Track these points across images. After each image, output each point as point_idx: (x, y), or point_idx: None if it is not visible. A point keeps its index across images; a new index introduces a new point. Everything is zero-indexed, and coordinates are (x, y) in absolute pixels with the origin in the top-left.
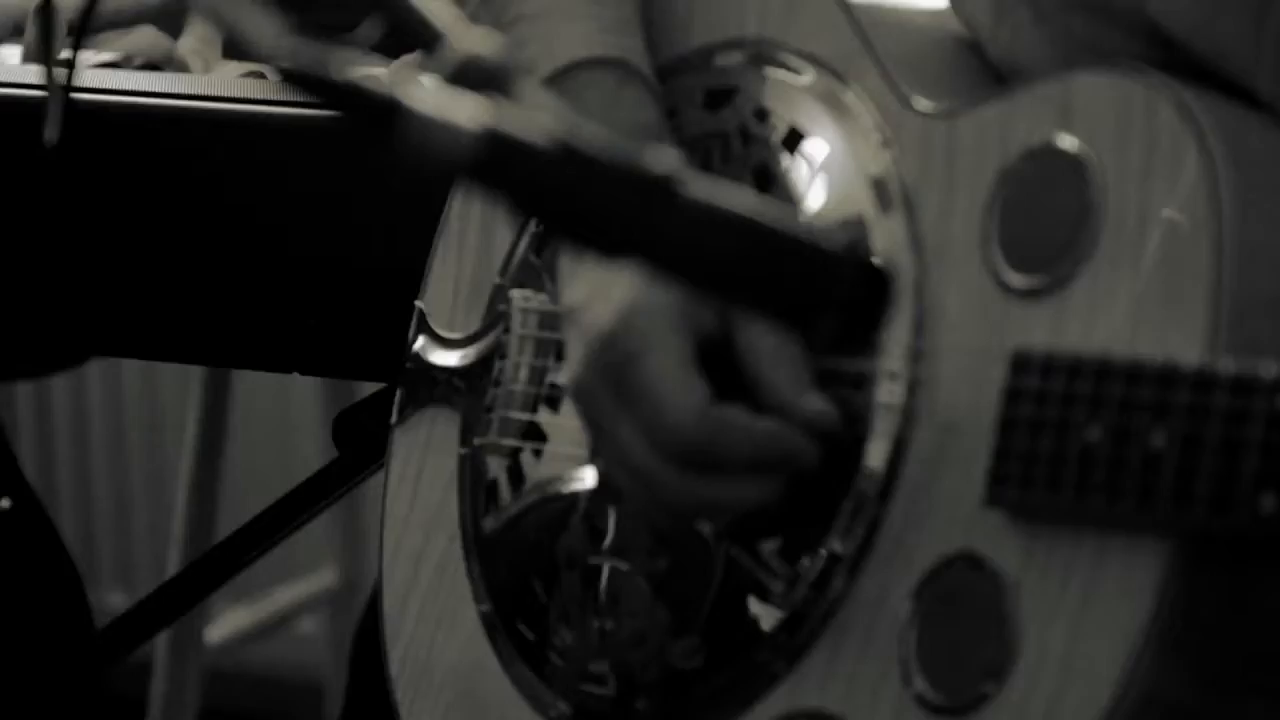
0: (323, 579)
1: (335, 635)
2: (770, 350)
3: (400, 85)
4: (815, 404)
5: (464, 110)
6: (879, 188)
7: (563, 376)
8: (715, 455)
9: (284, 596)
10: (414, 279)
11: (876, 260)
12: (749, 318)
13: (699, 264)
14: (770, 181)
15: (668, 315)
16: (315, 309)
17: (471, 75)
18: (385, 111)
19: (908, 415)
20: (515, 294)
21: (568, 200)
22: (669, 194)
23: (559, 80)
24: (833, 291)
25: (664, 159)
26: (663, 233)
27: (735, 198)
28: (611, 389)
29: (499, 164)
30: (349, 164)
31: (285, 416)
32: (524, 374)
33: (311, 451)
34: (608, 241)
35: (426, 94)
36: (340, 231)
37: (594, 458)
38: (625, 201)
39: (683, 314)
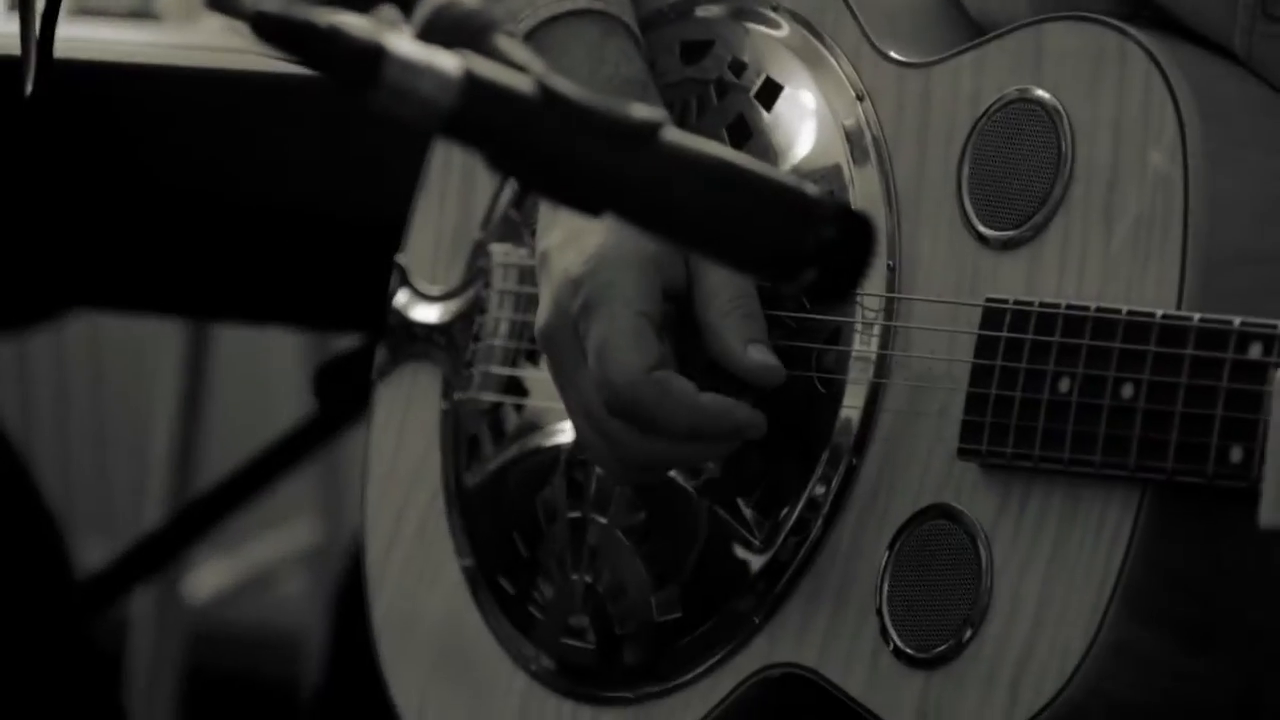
0: (302, 532)
1: (315, 591)
2: (725, 301)
3: (381, 32)
4: (757, 357)
5: (444, 57)
6: (854, 139)
7: (538, 327)
8: (654, 420)
9: (264, 552)
10: (392, 233)
11: (857, 209)
12: (713, 266)
13: (679, 213)
14: (747, 132)
15: (637, 266)
16: (294, 262)
17: (449, 27)
18: (366, 57)
19: (882, 366)
20: (495, 249)
21: (547, 147)
22: (650, 141)
23: (543, 32)
24: (814, 242)
25: (644, 108)
26: (643, 181)
27: (715, 146)
28: (574, 336)
29: (480, 110)
30: (327, 121)
31: (264, 370)
32: (504, 329)
33: (291, 405)
34: (587, 192)
35: (407, 41)
36: (317, 186)
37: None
38: (605, 148)
39: (654, 265)
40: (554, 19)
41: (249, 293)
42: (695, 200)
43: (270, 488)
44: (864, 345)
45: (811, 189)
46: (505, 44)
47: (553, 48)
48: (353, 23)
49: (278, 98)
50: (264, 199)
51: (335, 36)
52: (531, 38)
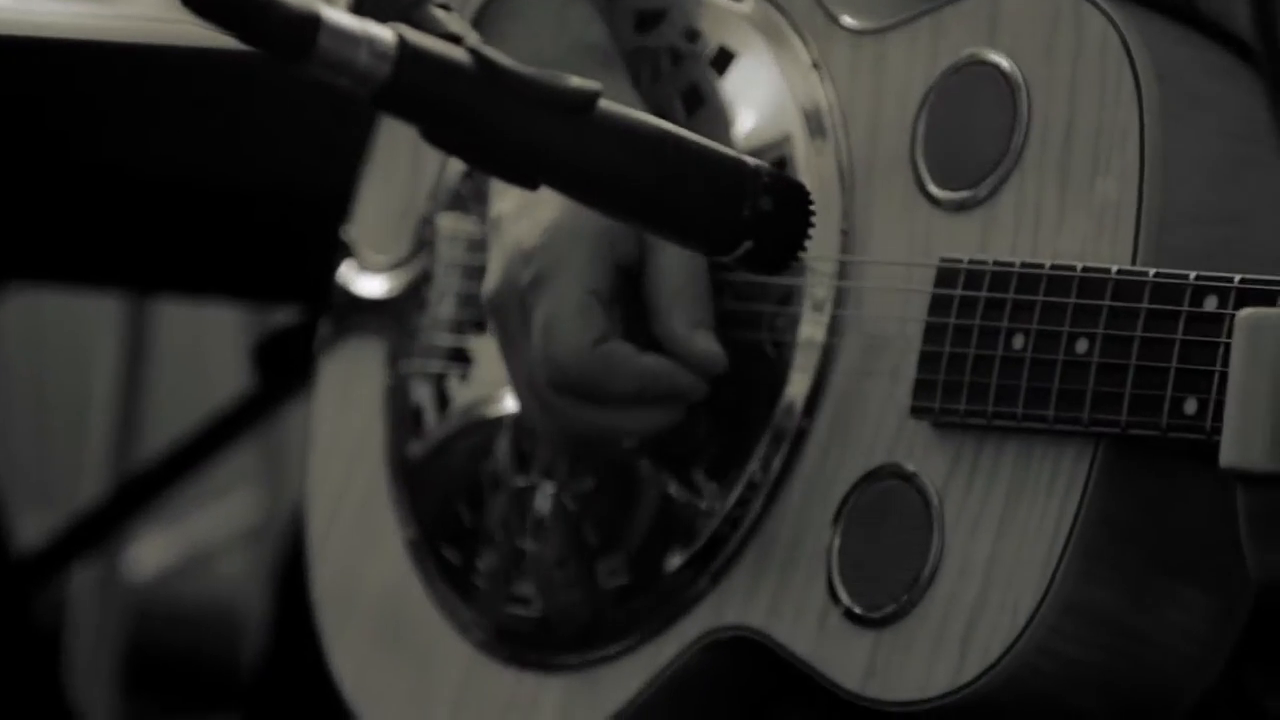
0: (243, 508)
1: (256, 567)
2: (674, 282)
3: (315, 3)
4: (701, 344)
5: (379, 28)
6: (807, 107)
7: (485, 293)
8: (600, 390)
9: (204, 528)
10: (333, 206)
11: (795, 180)
12: (666, 244)
13: (614, 185)
14: (699, 101)
15: (590, 241)
16: (235, 236)
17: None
18: (301, 28)
19: (834, 327)
20: (443, 219)
21: (482, 118)
22: (585, 112)
23: (504, 1)
24: (751, 212)
25: (580, 79)
26: (577, 152)
27: (651, 118)
28: (521, 307)
29: (415, 81)
30: (266, 94)
31: (204, 344)
32: (451, 299)
33: (231, 379)
34: (522, 164)
35: (341, 12)
36: (257, 160)
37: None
38: (540, 119)
39: (606, 240)
40: None
41: (189, 267)
42: (631, 171)
43: (211, 463)
44: (816, 308)
45: (750, 160)
46: (439, 15)
47: (515, 14)
48: None
49: (216, 71)
50: (204, 173)
51: (270, 8)
52: (493, 5)
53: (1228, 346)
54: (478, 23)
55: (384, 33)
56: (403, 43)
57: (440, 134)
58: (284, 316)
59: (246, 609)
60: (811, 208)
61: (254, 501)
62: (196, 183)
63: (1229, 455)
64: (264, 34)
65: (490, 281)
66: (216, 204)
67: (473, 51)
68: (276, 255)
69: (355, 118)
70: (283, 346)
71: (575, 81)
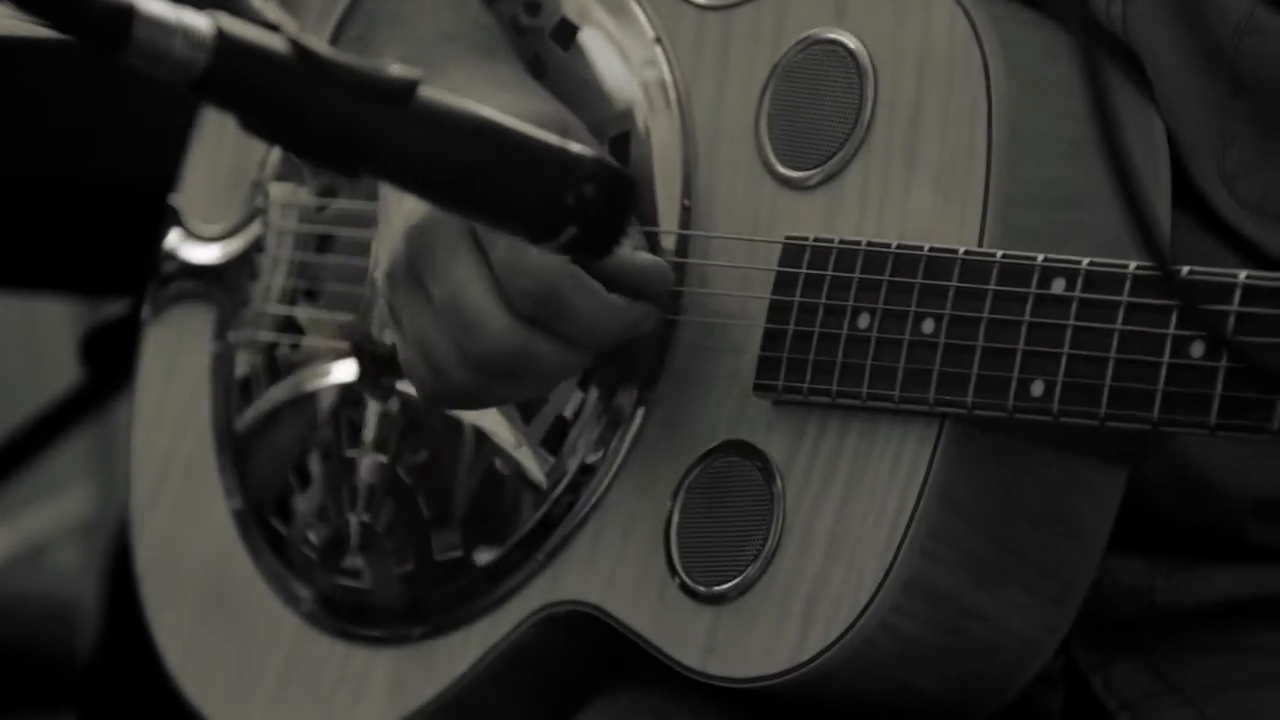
0: (75, 503)
1: (88, 561)
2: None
3: None
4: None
5: (196, 17)
6: (649, 80)
7: (378, 266)
8: (521, 372)
9: (36, 523)
10: (162, 197)
11: (616, 166)
12: (490, 229)
13: (435, 173)
14: (541, 73)
15: None
16: (63, 230)
17: None
18: (116, 18)
19: (675, 303)
20: (275, 188)
21: (300, 106)
22: (405, 100)
23: None
24: (574, 199)
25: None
26: (396, 139)
27: (473, 105)
28: (417, 282)
29: (232, 70)
30: (92, 85)
31: (33, 338)
32: (283, 268)
33: (61, 373)
34: (341, 152)
35: (157, 1)
36: (85, 152)
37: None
38: (359, 107)
39: None
40: None
41: (17, 261)
42: (452, 159)
43: (41, 458)
44: None
45: (573, 147)
46: (258, 4)
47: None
48: None
49: (42, 62)
50: (33, 166)
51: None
52: None
53: (1075, 329)
54: (362, 2)
55: (201, 22)
56: (220, 32)
57: (258, 122)
58: (114, 308)
59: (80, 604)
60: (634, 195)
61: (86, 496)
62: (25, 176)
63: None
64: (79, 24)
65: (383, 257)
66: (45, 197)
67: (291, 40)
68: (107, 249)
69: (187, 109)
70: (110, 339)
71: (395, 69)
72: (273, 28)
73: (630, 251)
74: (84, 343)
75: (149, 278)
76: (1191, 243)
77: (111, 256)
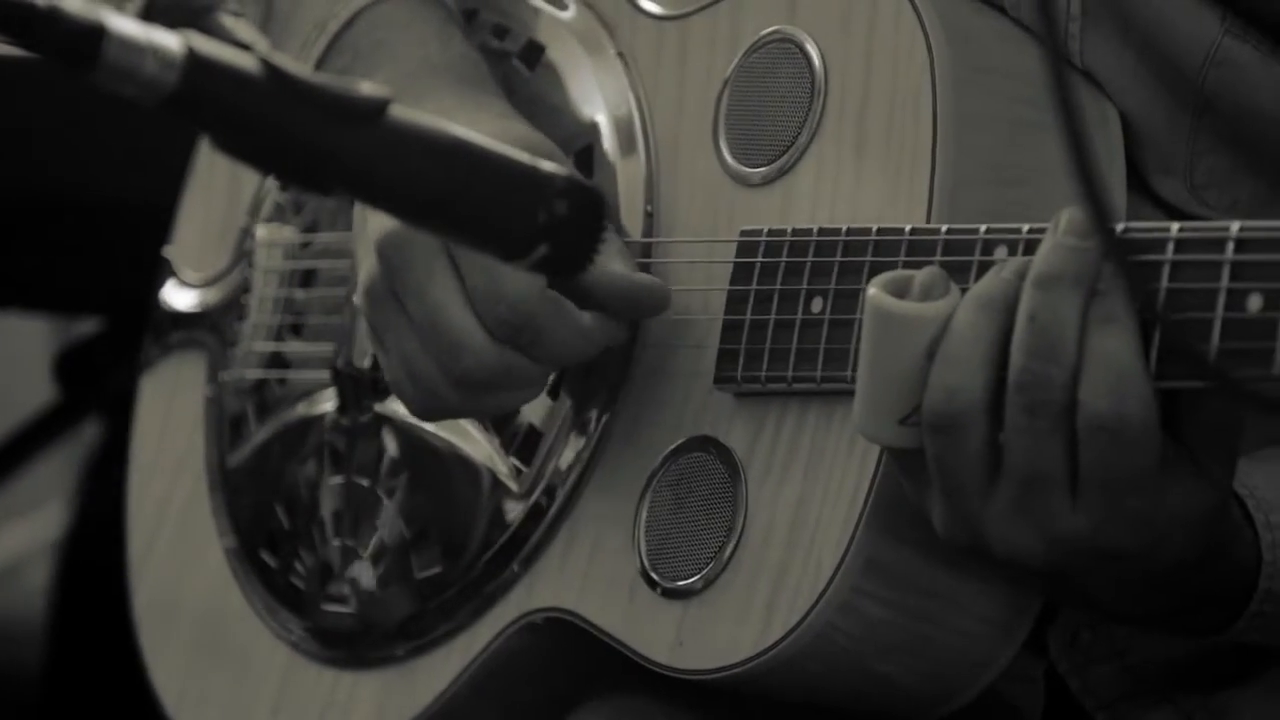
0: (48, 522)
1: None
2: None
3: (101, 11)
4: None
5: (167, 36)
6: (612, 94)
7: (357, 286)
8: (507, 385)
9: (11, 541)
10: (136, 217)
11: (588, 183)
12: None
13: (407, 192)
14: (509, 94)
15: None
16: (36, 247)
17: (170, 6)
18: (87, 37)
19: None
20: (260, 229)
21: (272, 125)
22: (376, 119)
23: (381, 9)
24: (546, 217)
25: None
26: (367, 158)
27: (444, 124)
28: (395, 299)
29: (203, 89)
30: (65, 104)
31: (6, 357)
32: (269, 305)
33: (34, 393)
34: (313, 171)
35: (128, 20)
36: (59, 170)
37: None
38: (331, 126)
39: None
40: None
41: None
42: (423, 178)
43: (14, 477)
44: None
45: (545, 166)
46: (230, 23)
47: (398, 25)
48: (72, 3)
49: (14, 80)
50: (3, 184)
51: (54, 17)
52: (362, 18)
53: None
54: (345, 34)
55: (171, 41)
56: (190, 52)
57: (230, 142)
58: (87, 327)
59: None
60: (605, 212)
61: (60, 515)
62: None
63: (860, 425)
64: (48, 43)
65: (360, 274)
66: (17, 216)
67: (262, 60)
68: (80, 267)
69: (160, 128)
70: (83, 358)
71: (366, 89)
72: (244, 47)
73: (628, 273)
74: (57, 362)
75: (121, 298)
76: None
77: (85, 275)
